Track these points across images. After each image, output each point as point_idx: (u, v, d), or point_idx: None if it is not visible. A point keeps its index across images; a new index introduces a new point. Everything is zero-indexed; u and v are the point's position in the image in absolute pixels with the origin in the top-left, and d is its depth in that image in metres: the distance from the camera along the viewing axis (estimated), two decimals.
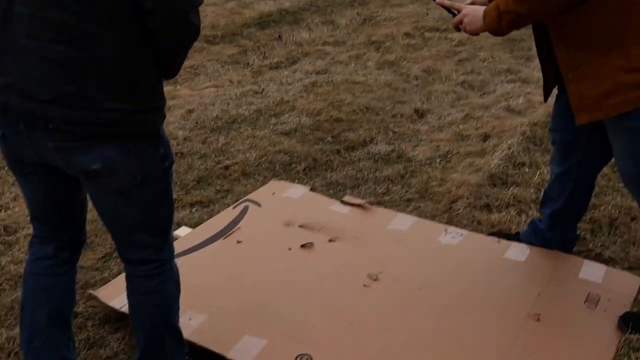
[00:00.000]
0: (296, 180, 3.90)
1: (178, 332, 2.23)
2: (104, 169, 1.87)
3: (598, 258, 3.05)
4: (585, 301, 2.70)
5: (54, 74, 1.76)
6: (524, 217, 3.40)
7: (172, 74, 1.96)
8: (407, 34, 6.87)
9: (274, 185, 3.74)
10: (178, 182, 3.96)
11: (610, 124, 2.45)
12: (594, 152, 2.75)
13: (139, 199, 1.98)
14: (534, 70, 5.65)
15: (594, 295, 2.73)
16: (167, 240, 2.14)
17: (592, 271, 2.89)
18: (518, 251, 3.01)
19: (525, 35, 6.66)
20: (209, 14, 8.28)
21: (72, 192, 2.09)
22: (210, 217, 3.49)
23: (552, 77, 2.68)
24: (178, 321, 2.23)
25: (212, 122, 4.85)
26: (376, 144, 4.35)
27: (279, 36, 7.06)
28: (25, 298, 2.23)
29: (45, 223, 2.18)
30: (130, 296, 2.19)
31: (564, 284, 2.79)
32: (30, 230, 2.35)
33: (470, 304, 2.67)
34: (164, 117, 1.98)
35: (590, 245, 3.15)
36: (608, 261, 3.02)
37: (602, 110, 2.36)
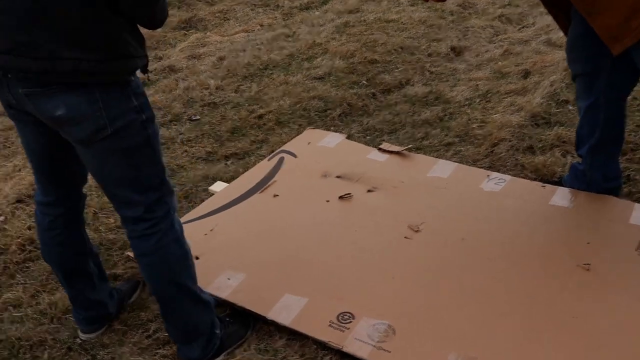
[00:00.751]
0: (332, 128, 3.81)
1: (192, 292, 2.20)
2: (69, 115, 1.84)
3: None
4: (637, 248, 2.59)
5: (10, 25, 1.74)
6: (569, 159, 3.27)
7: (151, 25, 1.88)
8: None
9: (309, 134, 3.65)
10: (212, 134, 3.91)
11: (634, 45, 2.36)
12: (619, 75, 2.63)
13: (115, 152, 1.93)
14: None
15: None
16: (159, 197, 2.06)
17: None
18: (564, 196, 2.90)
19: None
20: None
21: (60, 143, 2.02)
22: (245, 170, 3.43)
23: (563, 20, 2.70)
24: (192, 280, 2.20)
25: (244, 69, 4.75)
26: (412, 85, 4.22)
27: None
28: (42, 252, 2.34)
29: (41, 174, 2.17)
30: (135, 258, 2.19)
31: (614, 231, 2.68)
32: None
33: (516, 253, 2.58)
34: (138, 67, 1.91)
35: None
36: None
37: (629, 35, 2.29)
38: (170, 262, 2.12)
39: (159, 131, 2.10)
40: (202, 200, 3.20)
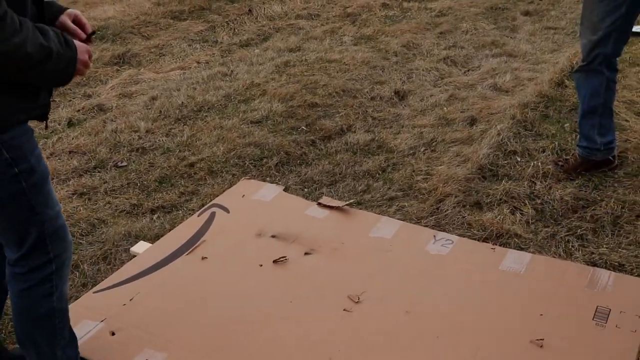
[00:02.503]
0: (268, 178, 3.56)
1: (47, 355, 2.11)
2: None
3: (604, 263, 2.75)
4: (593, 317, 2.40)
5: None
6: (518, 216, 3.08)
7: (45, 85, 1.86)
8: (385, 5, 6.50)
9: (244, 185, 3.40)
10: (138, 184, 3.62)
11: None
12: None
13: None
14: (520, 43, 5.33)
15: (603, 309, 2.44)
16: (39, 249, 1.98)
17: (598, 279, 2.59)
18: (515, 260, 2.70)
19: (509, 3, 6.33)
20: None
21: None
22: (172, 226, 3.15)
23: None
24: (49, 343, 2.11)
25: (177, 111, 4.49)
26: (354, 132, 4.01)
27: (249, 10, 6.66)
28: None
29: None
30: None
31: (568, 298, 2.49)
32: None
33: (464, 329, 2.36)
34: (18, 120, 1.83)
35: (594, 248, 2.85)
36: (616, 266, 2.73)
37: None
38: (30, 314, 2.06)
39: (46, 183, 1.96)
40: (123, 263, 2.91)
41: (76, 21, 2.16)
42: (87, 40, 2.12)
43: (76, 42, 1.88)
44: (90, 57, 1.94)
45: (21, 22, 1.67)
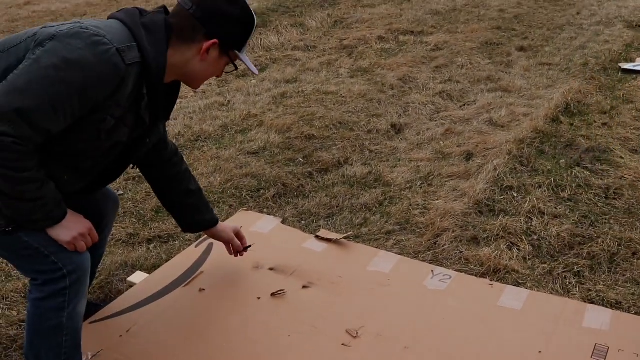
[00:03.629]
0: (265, 210, 3.56)
1: None
2: None
3: (601, 300, 2.76)
4: (592, 355, 2.40)
5: None
6: (515, 252, 3.09)
7: None
8: (381, 38, 6.57)
9: (241, 216, 3.39)
10: (135, 213, 3.62)
11: None
12: None
13: None
14: (515, 78, 5.38)
15: (601, 347, 2.43)
16: (35, 280, 2.10)
17: (597, 317, 2.59)
18: (513, 296, 2.70)
19: (504, 39, 6.40)
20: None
21: None
22: (169, 257, 3.14)
23: None
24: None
25: (174, 140, 4.49)
26: (351, 164, 4.02)
27: None
28: None
29: None
30: None
31: (566, 336, 2.49)
32: None
33: None
34: None
35: (591, 285, 2.85)
36: (613, 304, 2.73)
37: None
38: (38, 326, 2.10)
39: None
40: (120, 293, 2.89)
41: (238, 235, 2.80)
42: (243, 251, 2.83)
43: (79, 217, 2.10)
44: (83, 235, 2.09)
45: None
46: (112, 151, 2.09)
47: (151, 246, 3.30)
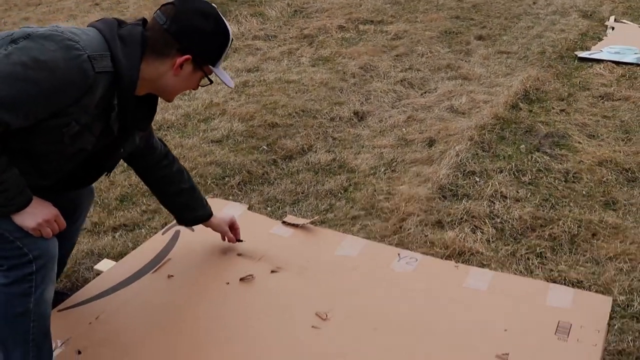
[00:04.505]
0: (230, 197, 3.57)
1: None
2: None
3: (563, 280, 2.83)
4: (555, 332, 2.45)
5: None
6: (479, 235, 3.15)
7: None
8: (341, 27, 6.58)
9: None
10: (99, 202, 3.59)
11: None
12: None
13: None
14: (475, 66, 5.46)
15: (564, 324, 2.49)
16: (0, 266, 2.05)
17: (559, 296, 2.65)
18: (478, 278, 2.75)
19: (463, 28, 6.48)
20: (131, 6, 7.85)
21: None
22: (135, 245, 3.12)
23: None
24: (23, 352, 2.12)
25: None
26: (315, 152, 4.05)
27: None
28: None
29: None
30: None
31: (531, 314, 2.54)
32: None
33: (432, 344, 2.39)
34: None
35: (553, 266, 2.93)
36: (575, 283, 2.81)
37: None
38: (4, 313, 2.05)
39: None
40: (87, 281, 2.87)
41: (232, 226, 2.86)
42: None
43: (46, 204, 2.07)
44: (49, 222, 2.06)
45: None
46: (76, 156, 2.08)
47: (117, 234, 3.29)
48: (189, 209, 2.70)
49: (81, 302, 2.65)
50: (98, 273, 2.89)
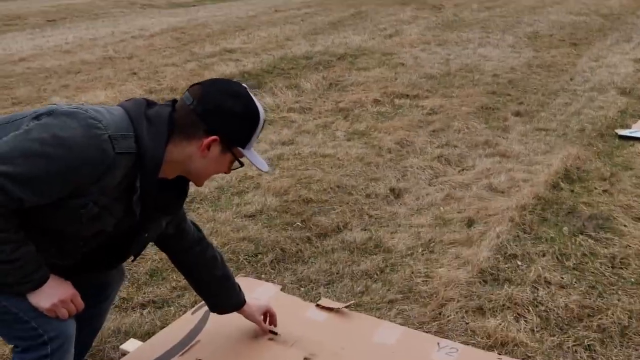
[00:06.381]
0: (263, 275, 3.46)
1: None
2: None
3: None
4: None
5: None
6: (522, 324, 2.99)
7: None
8: (376, 101, 6.56)
9: (240, 283, 3.27)
10: (129, 276, 3.49)
11: None
12: None
13: None
14: (513, 143, 5.36)
15: None
16: (16, 347, 2.00)
17: None
18: None
19: (499, 103, 6.42)
20: (168, 75, 7.94)
21: None
22: (163, 324, 3.02)
23: None
24: None
25: None
26: (351, 230, 3.94)
27: None
28: None
29: None
30: None
31: None
32: None
33: None
34: None
35: (603, 359, 2.76)
36: None
37: None
38: None
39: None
40: None
41: (268, 313, 2.78)
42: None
43: (64, 283, 2.01)
44: (65, 302, 1.99)
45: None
46: (95, 238, 2.02)
47: (145, 311, 3.19)
48: (221, 297, 2.61)
49: None
50: (124, 353, 2.79)
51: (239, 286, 2.64)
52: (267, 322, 2.79)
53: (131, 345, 2.84)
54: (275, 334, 2.80)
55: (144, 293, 3.35)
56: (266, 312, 2.77)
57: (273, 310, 2.78)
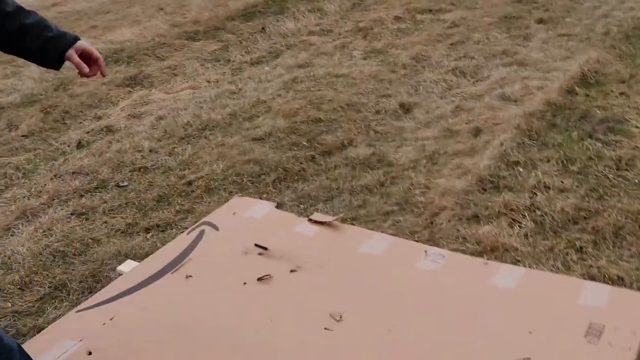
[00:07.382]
0: (265, 195, 3.51)
1: None
2: None
3: (603, 277, 2.63)
4: (586, 334, 2.27)
5: None
6: (516, 229, 2.97)
7: None
8: (397, 18, 6.43)
9: (236, 202, 3.33)
10: (136, 203, 3.62)
11: None
12: None
13: None
14: (532, 51, 5.21)
15: (597, 325, 2.30)
16: None
17: (594, 294, 2.45)
18: (507, 275, 2.58)
19: (524, 11, 6.21)
20: (194, 8, 7.90)
21: None
22: (164, 245, 3.10)
23: None
24: None
25: (182, 130, 4.47)
26: (355, 146, 3.94)
27: (263, 28, 6.65)
28: None
29: None
30: None
31: (560, 314, 2.36)
32: None
33: (447, 348, 2.26)
34: None
35: (593, 261, 2.73)
36: (615, 280, 2.60)
37: None
38: None
39: None
40: (110, 281, 2.87)
41: (84, 53, 2.21)
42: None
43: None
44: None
45: None
46: None
47: (148, 235, 3.29)
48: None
49: (99, 303, 2.64)
50: (120, 274, 2.88)
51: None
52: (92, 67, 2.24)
53: (127, 266, 2.93)
54: (265, 249, 2.84)
55: (150, 218, 3.45)
56: (82, 51, 2.21)
57: (93, 51, 2.24)
